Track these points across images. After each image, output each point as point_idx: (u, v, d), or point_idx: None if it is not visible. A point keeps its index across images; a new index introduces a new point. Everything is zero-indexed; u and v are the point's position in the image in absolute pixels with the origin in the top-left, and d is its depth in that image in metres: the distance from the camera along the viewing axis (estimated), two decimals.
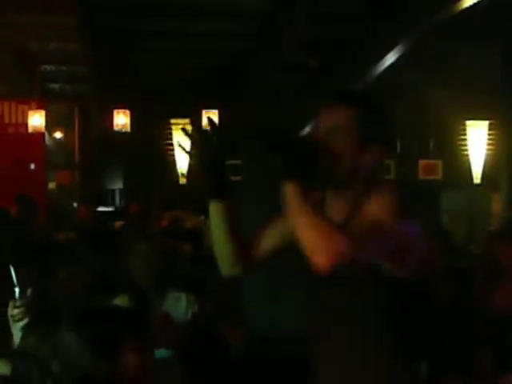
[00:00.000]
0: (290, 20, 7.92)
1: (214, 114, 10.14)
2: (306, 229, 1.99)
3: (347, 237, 1.94)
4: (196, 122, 2.22)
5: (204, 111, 10.20)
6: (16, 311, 2.83)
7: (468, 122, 10.21)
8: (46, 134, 10.39)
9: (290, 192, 2.02)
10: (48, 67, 9.56)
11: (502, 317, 4.01)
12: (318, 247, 1.94)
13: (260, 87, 9.81)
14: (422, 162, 11.25)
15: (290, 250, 2.16)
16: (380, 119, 2.21)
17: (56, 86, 10.47)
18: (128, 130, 10.06)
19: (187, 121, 10.66)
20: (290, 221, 2.07)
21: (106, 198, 11.68)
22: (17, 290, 2.89)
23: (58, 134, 11.28)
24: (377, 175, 2.20)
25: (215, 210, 2.21)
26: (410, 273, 2.08)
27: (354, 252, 1.93)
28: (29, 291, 2.89)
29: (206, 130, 2.16)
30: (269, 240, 2.29)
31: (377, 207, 2.06)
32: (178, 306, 3.79)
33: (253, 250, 2.29)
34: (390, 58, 8.12)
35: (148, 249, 3.88)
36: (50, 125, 10.36)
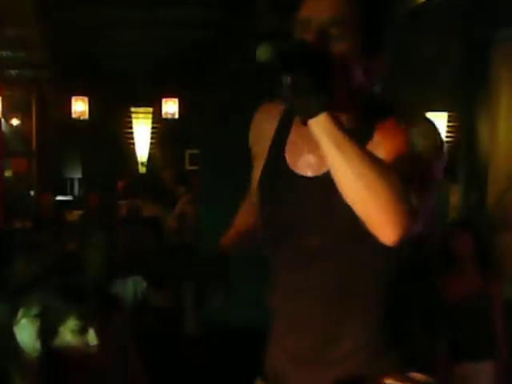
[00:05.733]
0: (252, 9, 7.88)
1: (174, 102, 10.09)
2: (360, 185, 1.28)
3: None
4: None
5: (164, 99, 10.15)
6: None
7: (427, 114, 10.29)
8: (3, 121, 10.22)
9: (325, 130, 1.31)
10: (5, 53, 9.38)
11: (457, 306, 4.05)
12: (381, 217, 1.27)
13: (221, 75, 9.76)
14: None
15: None
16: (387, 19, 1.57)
17: (13, 71, 10.28)
18: (86, 117, 9.95)
19: (148, 109, 10.62)
20: (335, 174, 1.31)
21: (64, 186, 11.51)
22: None
23: (15, 121, 11.11)
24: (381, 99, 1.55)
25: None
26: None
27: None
28: None
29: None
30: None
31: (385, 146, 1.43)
32: (125, 288, 3.88)
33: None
34: None
35: (103, 241, 3.90)
36: (7, 111, 10.19)
